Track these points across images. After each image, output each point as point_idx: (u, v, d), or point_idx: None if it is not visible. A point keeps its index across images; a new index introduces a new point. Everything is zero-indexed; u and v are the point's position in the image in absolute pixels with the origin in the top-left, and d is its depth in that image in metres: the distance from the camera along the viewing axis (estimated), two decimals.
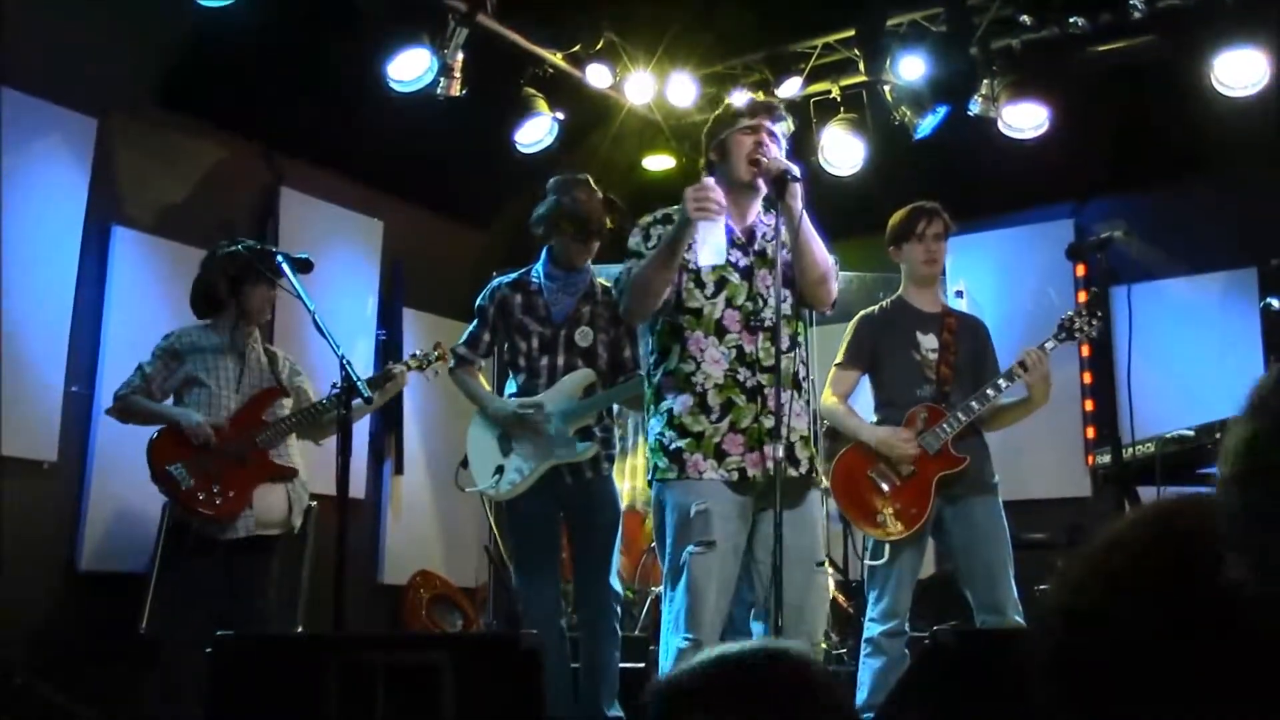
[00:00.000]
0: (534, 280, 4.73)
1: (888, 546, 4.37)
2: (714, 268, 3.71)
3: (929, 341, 4.53)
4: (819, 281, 3.72)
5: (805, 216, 3.65)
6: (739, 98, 4.06)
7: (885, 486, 4.39)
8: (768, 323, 3.65)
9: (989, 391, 4.39)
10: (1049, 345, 4.42)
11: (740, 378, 3.66)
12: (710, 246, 3.54)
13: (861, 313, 4.69)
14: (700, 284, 3.73)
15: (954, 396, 4.43)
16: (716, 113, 3.91)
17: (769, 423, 3.59)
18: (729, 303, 3.70)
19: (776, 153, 3.71)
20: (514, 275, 4.80)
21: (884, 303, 4.71)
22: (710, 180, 3.60)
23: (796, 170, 3.62)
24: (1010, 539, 4.39)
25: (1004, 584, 4.26)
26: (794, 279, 3.72)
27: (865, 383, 4.66)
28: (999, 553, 4.32)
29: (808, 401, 3.92)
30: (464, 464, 4.80)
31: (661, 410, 3.73)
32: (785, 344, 3.64)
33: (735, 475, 3.61)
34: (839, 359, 4.62)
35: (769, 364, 3.65)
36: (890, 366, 4.54)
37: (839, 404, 4.54)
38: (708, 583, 3.54)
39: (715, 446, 3.63)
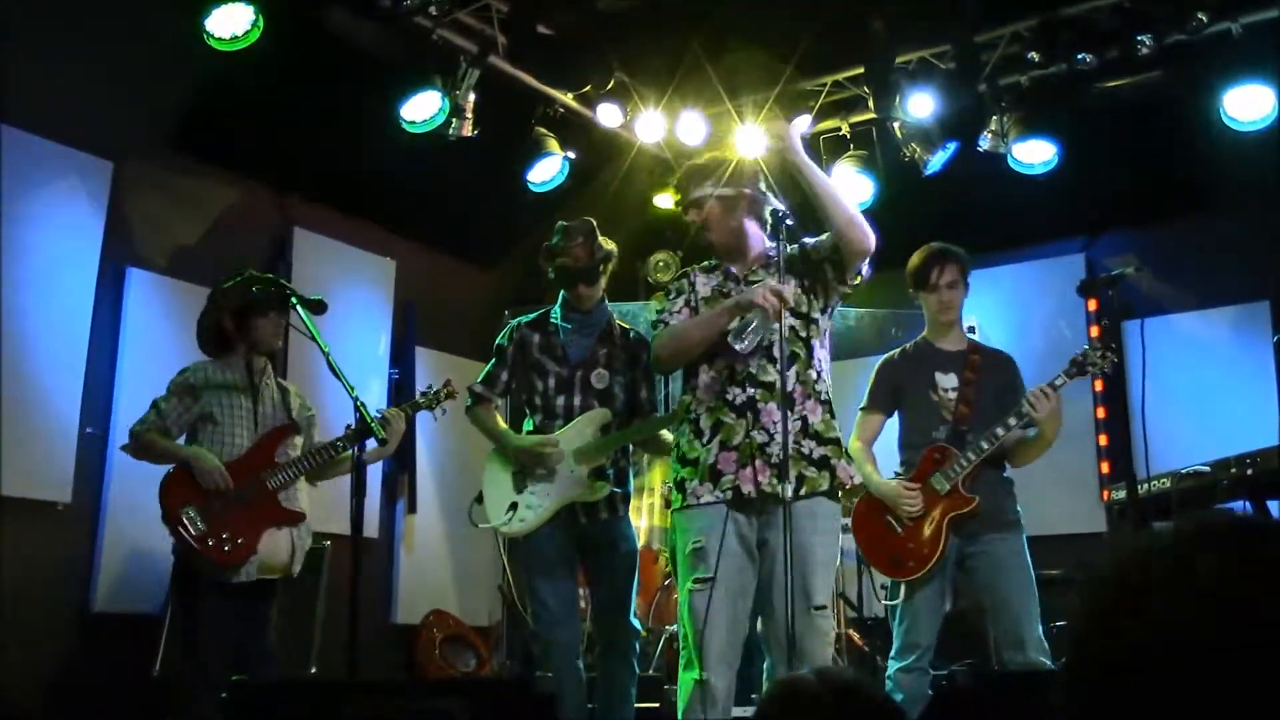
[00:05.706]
0: (552, 320, 4.73)
1: (904, 584, 4.41)
2: (704, 299, 3.84)
3: (948, 381, 4.52)
4: (848, 223, 3.70)
5: (804, 156, 3.71)
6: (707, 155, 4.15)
7: (899, 529, 4.42)
8: (773, 350, 3.67)
9: (998, 430, 4.36)
10: (1059, 382, 4.38)
11: (729, 396, 3.68)
12: (751, 336, 3.59)
13: (884, 356, 4.72)
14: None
15: (971, 435, 4.41)
16: (687, 168, 3.99)
17: (760, 438, 3.60)
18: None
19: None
20: (534, 315, 4.79)
21: (907, 345, 4.71)
22: (789, 288, 3.64)
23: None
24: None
25: (1028, 620, 4.24)
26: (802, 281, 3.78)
27: (893, 423, 4.67)
28: (1022, 589, 4.30)
29: (824, 416, 3.82)
30: (478, 499, 4.78)
31: (676, 447, 3.84)
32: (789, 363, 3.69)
33: (730, 494, 3.60)
34: (864, 403, 4.65)
35: (764, 379, 3.67)
36: (911, 408, 4.57)
37: (861, 449, 4.54)
38: (706, 618, 3.55)
39: (710, 468, 3.66)
